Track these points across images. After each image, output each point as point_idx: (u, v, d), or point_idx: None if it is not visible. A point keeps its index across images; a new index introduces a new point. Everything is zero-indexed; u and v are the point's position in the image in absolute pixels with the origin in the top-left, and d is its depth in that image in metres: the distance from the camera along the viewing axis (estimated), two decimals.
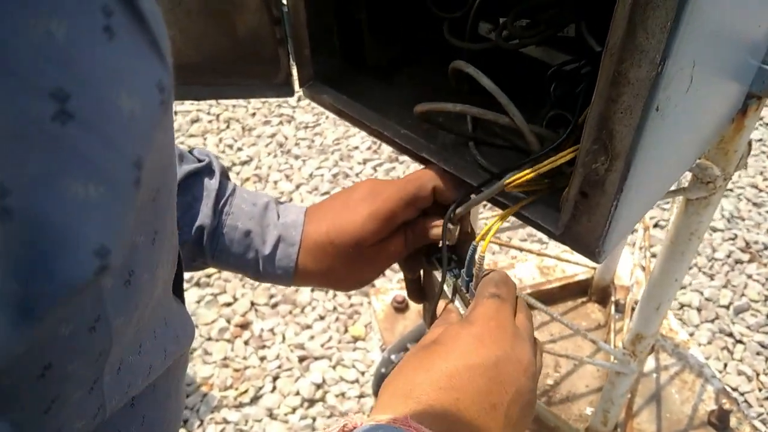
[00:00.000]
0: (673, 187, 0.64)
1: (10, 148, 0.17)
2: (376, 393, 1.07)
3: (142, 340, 0.32)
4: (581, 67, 0.49)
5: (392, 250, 0.54)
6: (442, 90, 0.57)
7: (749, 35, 0.46)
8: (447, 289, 0.50)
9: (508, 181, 0.45)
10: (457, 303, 0.49)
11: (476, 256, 0.46)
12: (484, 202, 0.50)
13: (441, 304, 0.51)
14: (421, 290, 0.60)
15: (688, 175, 0.62)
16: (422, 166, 0.54)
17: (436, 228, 0.52)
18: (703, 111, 0.46)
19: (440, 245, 0.51)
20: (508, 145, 0.54)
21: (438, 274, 0.52)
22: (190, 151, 0.54)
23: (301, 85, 0.60)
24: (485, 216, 1.74)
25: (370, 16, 0.60)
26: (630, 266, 1.18)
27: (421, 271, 0.59)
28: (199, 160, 0.53)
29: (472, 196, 0.49)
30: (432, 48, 0.63)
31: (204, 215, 0.51)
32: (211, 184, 0.52)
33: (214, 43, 0.59)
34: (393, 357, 1.06)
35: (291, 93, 0.62)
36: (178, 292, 0.42)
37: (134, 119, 0.21)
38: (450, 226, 0.50)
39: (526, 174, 0.45)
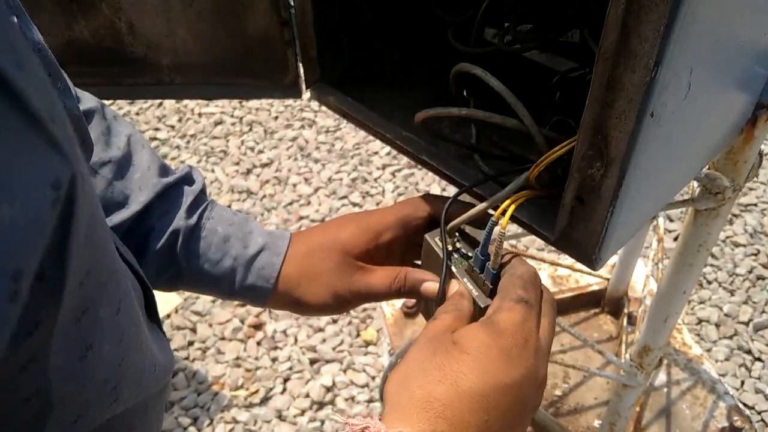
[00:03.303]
0: (682, 198, 0.63)
1: None
2: (383, 398, 1.07)
3: (118, 395, 0.32)
4: (586, 74, 0.49)
5: (375, 280, 0.51)
6: (449, 95, 0.57)
7: (755, 44, 0.45)
8: (455, 270, 0.48)
9: (532, 172, 0.43)
10: (469, 285, 0.47)
11: (495, 234, 0.44)
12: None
13: (453, 284, 0.48)
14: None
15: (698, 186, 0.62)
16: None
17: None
18: (705, 119, 0.45)
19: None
20: (507, 156, 0.54)
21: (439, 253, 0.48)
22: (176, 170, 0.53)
23: (307, 87, 0.60)
24: None
25: (377, 20, 0.61)
26: (644, 278, 1.16)
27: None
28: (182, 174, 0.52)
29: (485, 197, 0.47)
30: (439, 53, 0.64)
31: (179, 218, 0.50)
32: (189, 190, 0.51)
33: (223, 43, 0.60)
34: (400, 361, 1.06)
35: (299, 94, 0.62)
36: (153, 317, 0.42)
37: (14, 229, 0.20)
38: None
39: (544, 160, 0.43)
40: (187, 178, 0.52)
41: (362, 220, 0.52)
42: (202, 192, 0.53)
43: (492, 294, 0.45)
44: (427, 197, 0.53)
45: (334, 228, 0.52)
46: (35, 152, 0.21)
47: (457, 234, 0.49)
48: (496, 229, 0.44)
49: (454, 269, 0.47)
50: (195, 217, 0.50)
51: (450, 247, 0.48)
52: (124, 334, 0.30)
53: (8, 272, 0.20)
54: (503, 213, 0.44)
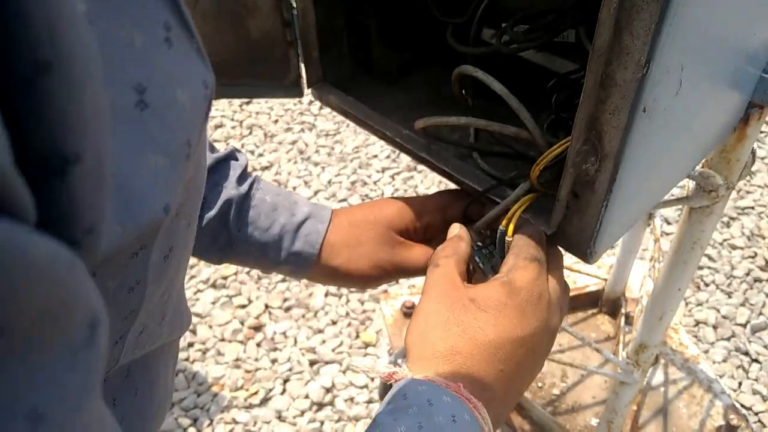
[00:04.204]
0: (676, 196, 0.64)
1: (108, 127, 0.22)
2: (382, 398, 1.08)
3: (165, 312, 0.35)
4: (581, 77, 0.50)
5: (414, 255, 0.55)
6: (448, 96, 0.58)
7: (745, 43, 0.46)
8: (482, 264, 0.51)
9: (533, 171, 0.45)
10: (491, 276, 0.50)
11: (505, 241, 0.48)
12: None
13: (453, 228, 0.52)
14: None
15: (692, 184, 0.63)
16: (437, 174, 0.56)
17: None
18: (697, 116, 0.46)
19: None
20: (508, 152, 0.55)
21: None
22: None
23: (309, 86, 0.61)
24: None
25: (378, 22, 0.62)
26: (641, 279, 1.17)
27: None
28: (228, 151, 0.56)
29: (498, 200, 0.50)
30: (440, 54, 0.65)
31: (231, 189, 0.53)
32: (237, 164, 0.55)
33: (227, 43, 0.61)
34: (399, 361, 1.06)
35: (300, 94, 0.63)
36: None
37: (186, 109, 0.26)
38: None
39: (543, 159, 0.45)
40: (233, 155, 0.55)
41: (404, 201, 0.56)
42: (246, 168, 0.56)
43: None
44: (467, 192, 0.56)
45: (378, 205, 0.56)
46: (192, 57, 0.27)
47: (486, 232, 0.53)
48: (506, 237, 0.47)
49: (480, 264, 0.51)
50: (245, 187, 0.54)
51: (481, 243, 0.52)
52: (184, 248, 0.33)
53: (185, 139, 0.25)
54: (509, 222, 0.47)
